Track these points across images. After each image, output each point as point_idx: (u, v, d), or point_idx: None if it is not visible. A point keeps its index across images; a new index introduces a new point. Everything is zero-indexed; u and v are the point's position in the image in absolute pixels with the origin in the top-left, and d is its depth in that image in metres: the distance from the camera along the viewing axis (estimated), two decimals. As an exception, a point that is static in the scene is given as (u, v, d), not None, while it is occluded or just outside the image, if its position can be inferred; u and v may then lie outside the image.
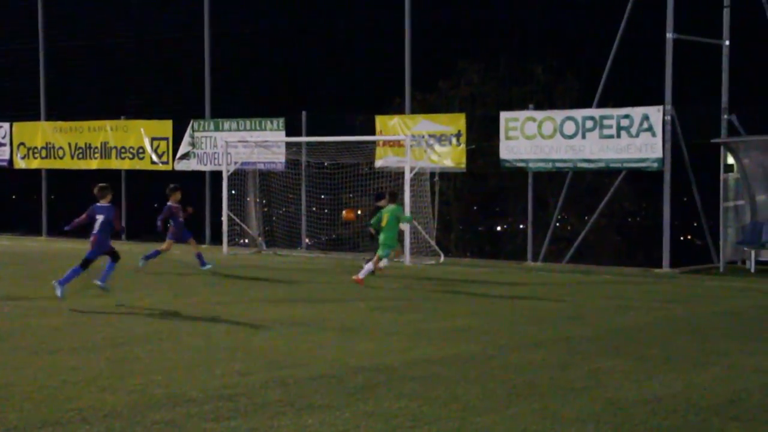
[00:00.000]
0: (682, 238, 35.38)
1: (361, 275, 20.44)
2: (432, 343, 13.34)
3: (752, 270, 24.34)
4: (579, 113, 25.64)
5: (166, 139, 32.18)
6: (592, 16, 29.85)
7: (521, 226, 33.86)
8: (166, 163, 32.17)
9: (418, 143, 27.14)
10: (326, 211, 29.86)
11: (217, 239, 30.15)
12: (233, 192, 29.34)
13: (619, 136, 24.79)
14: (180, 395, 10.05)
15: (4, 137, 35.76)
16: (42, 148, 35.04)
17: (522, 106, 28.11)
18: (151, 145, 32.50)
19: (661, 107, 24.40)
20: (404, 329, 14.61)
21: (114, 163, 33.49)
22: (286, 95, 35.72)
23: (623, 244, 36.71)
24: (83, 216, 18.34)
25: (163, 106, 32.93)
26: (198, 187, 32.31)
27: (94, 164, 33.96)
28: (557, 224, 30.09)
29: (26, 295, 18.52)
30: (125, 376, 10.97)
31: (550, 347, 13.13)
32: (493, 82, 36.66)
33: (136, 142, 32.85)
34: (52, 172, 35.69)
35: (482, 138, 29.24)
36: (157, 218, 23.81)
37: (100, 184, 18.69)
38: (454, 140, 27.07)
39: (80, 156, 34.19)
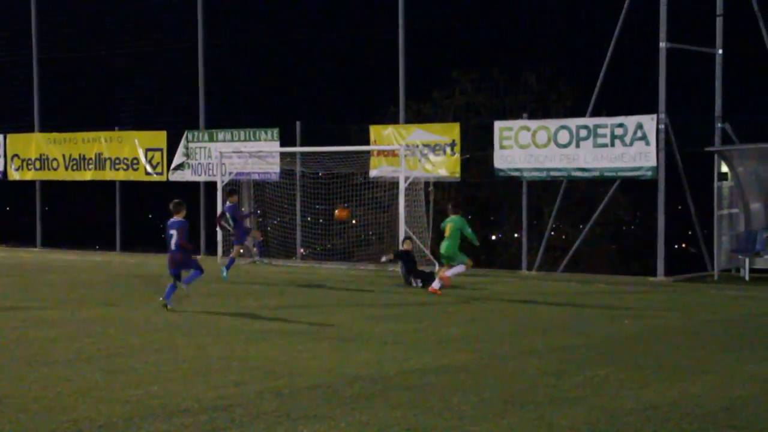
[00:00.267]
0: (676, 247, 35.40)
1: (438, 285, 20.52)
2: (427, 352, 13.35)
3: (746, 278, 24.37)
4: (573, 122, 25.69)
5: (161, 149, 32.18)
6: (586, 25, 29.91)
7: (516, 235, 33.86)
8: (161, 173, 32.16)
9: (413, 153, 27.16)
10: (321, 221, 29.86)
11: (212, 250, 30.12)
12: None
13: (613, 144, 24.83)
14: (175, 406, 10.04)
15: (-2, 149, 35.75)
16: (36, 159, 35.02)
17: (516, 116, 28.17)
18: (146, 156, 32.50)
19: (654, 116, 24.45)
20: (400, 338, 14.61)
21: (108, 174, 33.48)
22: (281, 105, 35.72)
23: (618, 252, 36.71)
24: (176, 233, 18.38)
25: (158, 116, 32.94)
26: (193, 197, 32.30)
27: (88, 175, 33.95)
28: (552, 233, 30.10)
29: (21, 307, 18.49)
30: (120, 387, 10.96)
31: (545, 356, 13.14)
32: (487, 91, 36.67)
33: (131, 153, 32.85)
34: (46, 184, 35.67)
35: (476, 147, 29.27)
36: (224, 220, 24.36)
37: (175, 200, 18.76)
38: (448, 150, 27.10)
39: (74, 167, 34.17)
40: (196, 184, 31.90)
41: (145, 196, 36.47)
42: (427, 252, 26.47)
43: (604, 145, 24.94)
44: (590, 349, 13.84)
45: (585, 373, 11.79)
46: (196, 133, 31.46)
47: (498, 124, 26.78)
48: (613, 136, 24.81)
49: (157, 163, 32.22)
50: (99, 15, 35.89)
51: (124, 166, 33.03)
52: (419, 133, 27.70)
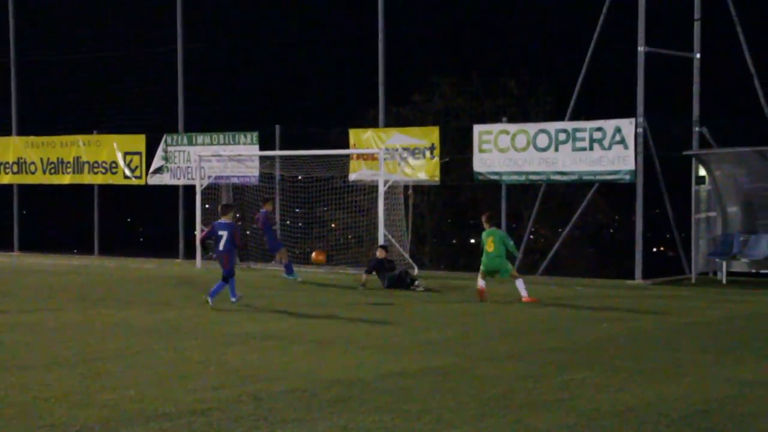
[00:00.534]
0: (654, 250, 35.56)
1: (525, 294, 19.96)
2: (405, 356, 13.35)
3: (724, 281, 24.47)
4: (552, 126, 25.75)
5: (139, 153, 32.09)
6: (565, 30, 30.01)
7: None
8: (139, 177, 32.07)
9: (392, 156, 27.17)
10: (300, 224, 29.82)
11: (191, 254, 30.05)
12: (207, 206, 29.25)
13: (591, 148, 24.91)
14: (153, 410, 10.01)
15: (-25, 152, 35.58)
16: (14, 163, 34.86)
17: (495, 119, 28.22)
18: (124, 160, 32.40)
19: (633, 120, 24.53)
20: (377, 342, 14.61)
21: (86, 178, 33.35)
22: (260, 109, 35.71)
23: (596, 255, 36.85)
24: (206, 230, 19.37)
25: (136, 120, 32.85)
26: (171, 201, 32.24)
27: (66, 179, 33.82)
28: (531, 236, 30.17)
29: (-2, 311, 18.39)
30: (97, 391, 10.92)
31: (523, 359, 13.16)
32: (467, 95, 36.77)
33: (109, 156, 32.74)
34: (24, 188, 35.50)
35: (456, 151, 29.33)
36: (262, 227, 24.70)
37: (223, 203, 19.30)
38: (427, 153, 27.12)
39: (52, 171, 34.04)
40: (175, 187, 31.81)
41: (123, 200, 36.38)
42: (407, 255, 26.47)
43: (583, 149, 25.01)
44: (568, 352, 13.87)
45: (563, 376, 11.82)
46: (175, 137, 31.38)
47: (477, 128, 26.83)
48: (592, 140, 24.89)
49: (136, 167, 32.13)
50: (77, 18, 35.78)
51: (103, 170, 32.92)
52: (399, 137, 27.71)
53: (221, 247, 18.94)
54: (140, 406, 10.18)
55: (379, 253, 23.35)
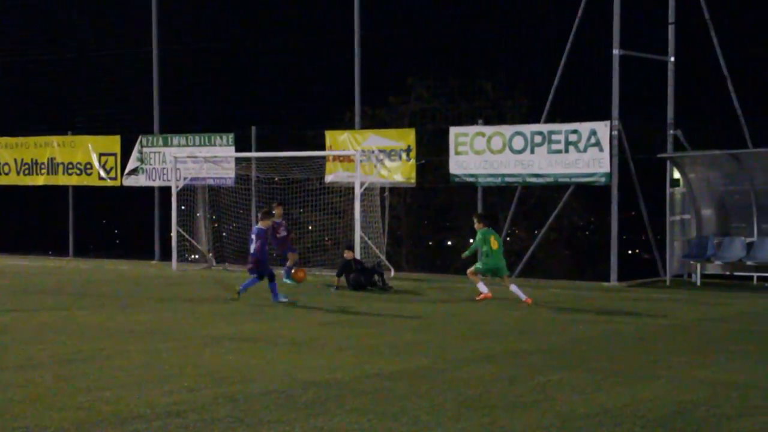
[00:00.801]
0: (629, 252, 35.68)
1: (524, 297, 19.90)
2: (382, 357, 13.36)
3: (698, 283, 24.61)
4: (528, 128, 25.83)
5: (114, 154, 31.98)
6: (540, 32, 30.08)
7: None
8: (114, 178, 31.97)
9: (368, 158, 27.19)
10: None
11: (166, 255, 29.98)
12: (182, 208, 29.20)
13: (567, 151, 25.00)
14: (128, 412, 9.98)
15: (-51, 153, 35.35)
16: (-12, 163, 34.65)
17: (471, 122, 28.25)
18: (99, 161, 32.27)
19: (608, 122, 24.63)
20: (354, 344, 14.62)
21: (61, 179, 33.21)
22: (236, 110, 35.63)
23: (572, 257, 36.92)
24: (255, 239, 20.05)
25: (111, 121, 32.73)
26: (147, 202, 32.14)
27: (40, 180, 33.67)
28: (507, 238, 30.21)
29: (-28, 313, 18.28)
30: (72, 393, 10.87)
31: (499, 361, 13.20)
32: (443, 97, 36.78)
33: (84, 157, 32.61)
34: (-3, 188, 35.32)
35: (432, 153, 29.35)
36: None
37: (264, 209, 21.36)
38: (403, 155, 27.16)
39: (26, 172, 33.87)
40: (150, 189, 31.73)
41: (98, 202, 36.19)
42: (383, 257, 26.49)
43: (559, 152, 25.10)
44: (544, 353, 13.92)
45: (538, 378, 11.86)
46: (150, 138, 31.30)
47: (453, 130, 26.89)
48: (567, 143, 24.98)
49: (111, 168, 32.01)
50: (52, 18, 35.63)
51: (78, 171, 32.78)
52: (375, 139, 27.73)
53: (251, 250, 20.08)
54: (115, 408, 10.14)
55: (346, 254, 23.33)
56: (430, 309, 19.41)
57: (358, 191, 25.60)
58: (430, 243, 39.81)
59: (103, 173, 32.19)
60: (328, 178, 28.18)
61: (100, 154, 32.27)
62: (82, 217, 34.32)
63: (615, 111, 24.77)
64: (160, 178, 30.96)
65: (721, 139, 25.74)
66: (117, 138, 31.97)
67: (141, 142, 31.32)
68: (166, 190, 30.27)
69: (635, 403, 10.55)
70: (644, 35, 26.69)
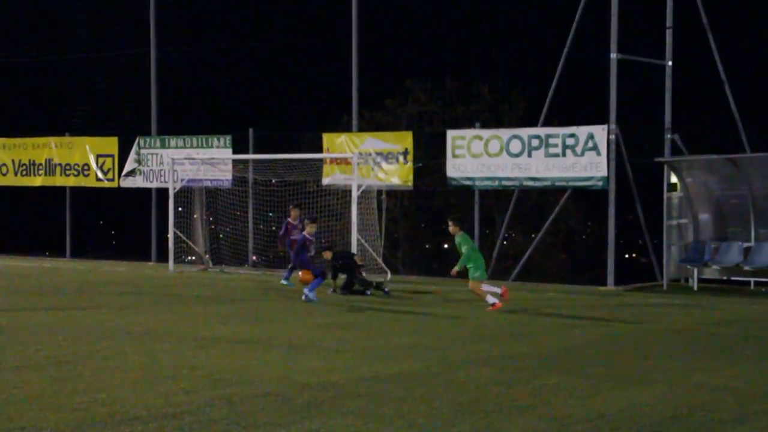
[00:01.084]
0: (626, 256, 35.72)
1: (493, 301, 19.57)
2: (378, 360, 13.35)
3: (695, 288, 24.63)
4: (525, 132, 25.83)
5: (112, 156, 31.97)
6: (538, 36, 30.10)
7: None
8: (112, 180, 31.95)
9: (366, 161, 27.18)
10: (274, 228, 29.77)
11: (163, 257, 29.96)
12: (180, 209, 29.17)
13: (564, 154, 25.00)
14: (124, 413, 9.97)
15: (-54, 153, 35.32)
16: (-15, 164, 34.63)
17: (468, 125, 28.27)
18: (97, 162, 32.26)
19: (605, 126, 24.64)
20: (350, 347, 14.61)
21: (58, 180, 33.19)
22: (233, 112, 35.63)
23: (569, 261, 36.97)
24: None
25: (109, 122, 32.73)
26: (144, 204, 32.13)
27: (38, 181, 33.65)
28: (504, 242, 30.23)
29: (-32, 313, 18.25)
30: (69, 394, 10.86)
31: (495, 365, 13.20)
32: (440, 100, 36.81)
33: (81, 158, 32.59)
34: (-5, 189, 35.30)
35: (429, 156, 29.36)
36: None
37: (310, 215, 23.32)
38: (401, 158, 27.15)
39: (24, 173, 33.85)
40: (147, 190, 31.72)
41: (95, 203, 36.19)
42: (379, 260, 26.49)
43: (556, 155, 25.11)
44: (540, 357, 13.92)
45: (535, 382, 11.85)
46: (147, 140, 31.29)
47: (451, 133, 26.88)
48: (565, 146, 24.99)
49: (108, 170, 32.00)
50: (50, 19, 35.62)
51: (75, 172, 32.76)
52: (372, 142, 27.73)
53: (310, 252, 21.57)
54: (111, 410, 10.13)
55: (325, 255, 23.14)
56: (426, 312, 19.40)
57: (355, 194, 25.60)
58: (427, 246, 39.85)
59: (100, 174, 32.18)
60: (326, 181, 28.18)
61: (98, 156, 32.25)
62: (80, 218, 34.31)
63: (612, 115, 24.78)
64: (157, 180, 30.95)
65: (719, 143, 25.78)
66: (114, 139, 31.96)
67: (138, 143, 31.31)
68: (163, 192, 30.25)
69: (632, 407, 10.55)
70: (642, 39, 26.70)
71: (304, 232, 21.80)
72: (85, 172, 32.55)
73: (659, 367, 13.19)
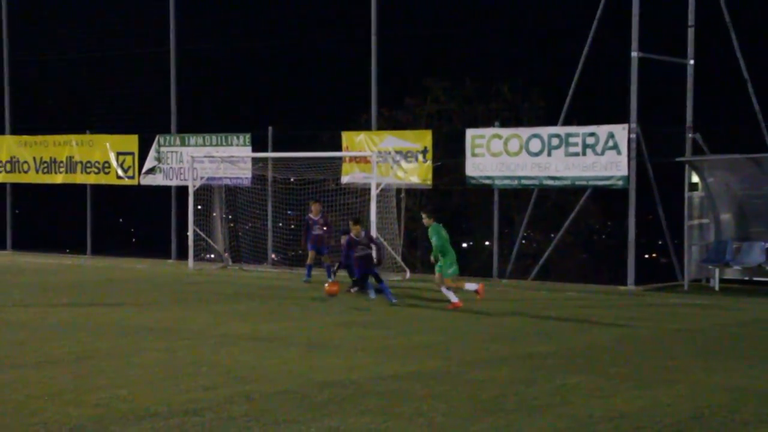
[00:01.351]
0: (647, 256, 35.60)
1: (454, 300, 19.45)
2: (398, 359, 13.35)
3: (716, 288, 24.50)
4: (545, 131, 25.75)
5: (132, 153, 32.04)
6: (558, 35, 30.05)
7: (487, 243, 33.91)
8: (132, 177, 32.03)
9: (385, 159, 27.17)
10: (293, 226, 29.80)
11: (183, 254, 30.03)
12: (199, 207, 29.24)
13: (584, 153, 24.92)
14: (145, 410, 10.00)
15: (-32, 151, 35.49)
16: (7, 162, 34.79)
17: (488, 124, 28.21)
18: (117, 160, 32.34)
19: (626, 125, 24.53)
20: (370, 345, 14.61)
21: (79, 178, 33.29)
22: (253, 111, 35.69)
23: (589, 261, 36.87)
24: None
25: (129, 120, 32.79)
26: (164, 202, 32.20)
27: (59, 179, 33.76)
28: (523, 241, 30.17)
29: (-11, 310, 18.34)
30: (90, 390, 10.90)
31: (515, 364, 13.17)
32: (459, 99, 36.78)
33: (102, 156, 32.69)
34: (17, 187, 35.42)
35: (448, 155, 29.31)
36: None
37: (354, 217, 22.66)
38: (420, 157, 27.12)
39: (45, 170, 33.98)
40: (167, 188, 31.79)
41: (116, 200, 36.31)
42: (399, 259, 26.48)
43: (576, 154, 25.02)
44: (560, 357, 13.88)
45: (554, 382, 11.82)
46: (167, 138, 31.35)
47: (470, 132, 26.83)
48: (585, 145, 24.90)
49: (129, 167, 32.09)
50: (71, 17, 35.73)
51: (96, 170, 32.86)
52: (391, 140, 27.69)
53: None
54: (132, 406, 10.17)
55: (342, 240, 22.66)
56: (445, 311, 19.37)
57: (374, 192, 25.60)
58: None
59: (120, 172, 32.27)
60: (345, 179, 28.17)
61: (118, 153, 32.34)
62: (100, 215, 34.41)
63: (633, 114, 24.67)
64: (177, 178, 31.01)
65: (741, 142, 25.60)
66: (135, 137, 32.03)
67: (158, 141, 31.38)
68: (183, 190, 30.31)
69: (653, 407, 10.51)
70: (663, 38, 26.60)
71: (351, 234, 21.30)
72: (106, 170, 32.64)
73: (680, 367, 13.14)
